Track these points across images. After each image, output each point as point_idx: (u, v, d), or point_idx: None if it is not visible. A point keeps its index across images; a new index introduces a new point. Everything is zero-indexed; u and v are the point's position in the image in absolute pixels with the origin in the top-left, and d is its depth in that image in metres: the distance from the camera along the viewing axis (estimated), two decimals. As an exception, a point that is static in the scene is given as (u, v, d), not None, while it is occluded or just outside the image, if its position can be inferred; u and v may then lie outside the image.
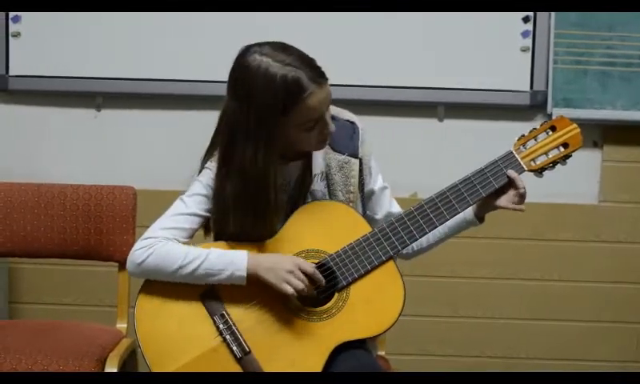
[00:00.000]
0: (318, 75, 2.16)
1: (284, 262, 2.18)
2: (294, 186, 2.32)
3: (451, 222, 2.35)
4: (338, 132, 2.30)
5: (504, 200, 2.30)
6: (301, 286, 2.15)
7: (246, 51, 2.18)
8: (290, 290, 2.15)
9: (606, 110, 3.43)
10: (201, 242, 2.30)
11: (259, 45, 2.18)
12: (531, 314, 3.59)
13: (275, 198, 2.20)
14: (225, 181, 2.22)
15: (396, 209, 2.42)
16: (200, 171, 2.31)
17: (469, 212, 2.35)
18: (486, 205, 2.33)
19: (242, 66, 2.17)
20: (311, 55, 2.19)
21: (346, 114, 2.38)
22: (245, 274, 2.17)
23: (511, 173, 2.28)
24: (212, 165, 2.28)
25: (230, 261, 2.18)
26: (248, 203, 2.19)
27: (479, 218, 2.36)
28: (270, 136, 2.15)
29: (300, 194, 2.31)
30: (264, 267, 2.17)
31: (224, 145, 2.22)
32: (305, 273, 2.17)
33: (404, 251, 2.39)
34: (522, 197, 2.29)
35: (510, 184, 2.29)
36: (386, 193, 2.43)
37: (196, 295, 2.21)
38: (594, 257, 3.56)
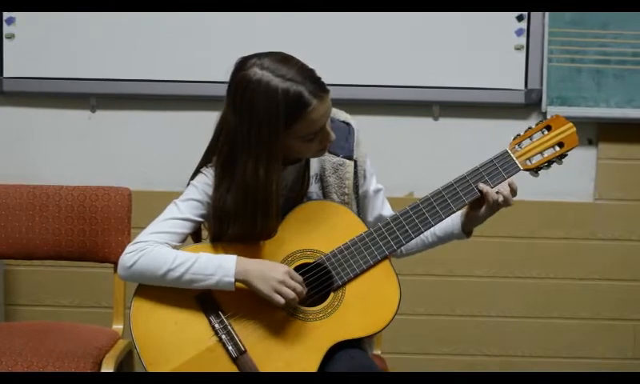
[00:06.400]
0: (319, 89, 2.13)
1: (275, 270, 2.16)
2: (291, 187, 2.31)
3: (440, 232, 2.38)
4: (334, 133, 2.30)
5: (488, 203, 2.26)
6: (292, 295, 2.14)
7: (245, 63, 2.14)
8: (281, 300, 2.14)
9: (600, 108, 3.44)
10: (196, 242, 2.30)
11: (258, 57, 2.14)
12: (528, 312, 3.59)
13: (277, 204, 2.20)
14: (225, 194, 2.19)
15: (388, 212, 2.41)
16: (195, 175, 2.30)
17: (457, 226, 2.35)
18: (472, 217, 2.32)
19: (241, 80, 2.13)
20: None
21: (341, 115, 2.37)
22: (233, 280, 2.16)
23: (482, 187, 2.25)
24: (207, 170, 2.27)
25: (218, 265, 2.16)
26: (249, 213, 2.18)
27: (466, 232, 2.36)
28: (271, 149, 2.13)
29: (298, 196, 2.31)
30: (254, 275, 2.16)
31: (224, 158, 2.20)
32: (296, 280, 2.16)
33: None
34: (499, 205, 2.25)
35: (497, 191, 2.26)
36: (379, 195, 2.42)
37: (191, 296, 2.20)
38: (589, 254, 3.56)
